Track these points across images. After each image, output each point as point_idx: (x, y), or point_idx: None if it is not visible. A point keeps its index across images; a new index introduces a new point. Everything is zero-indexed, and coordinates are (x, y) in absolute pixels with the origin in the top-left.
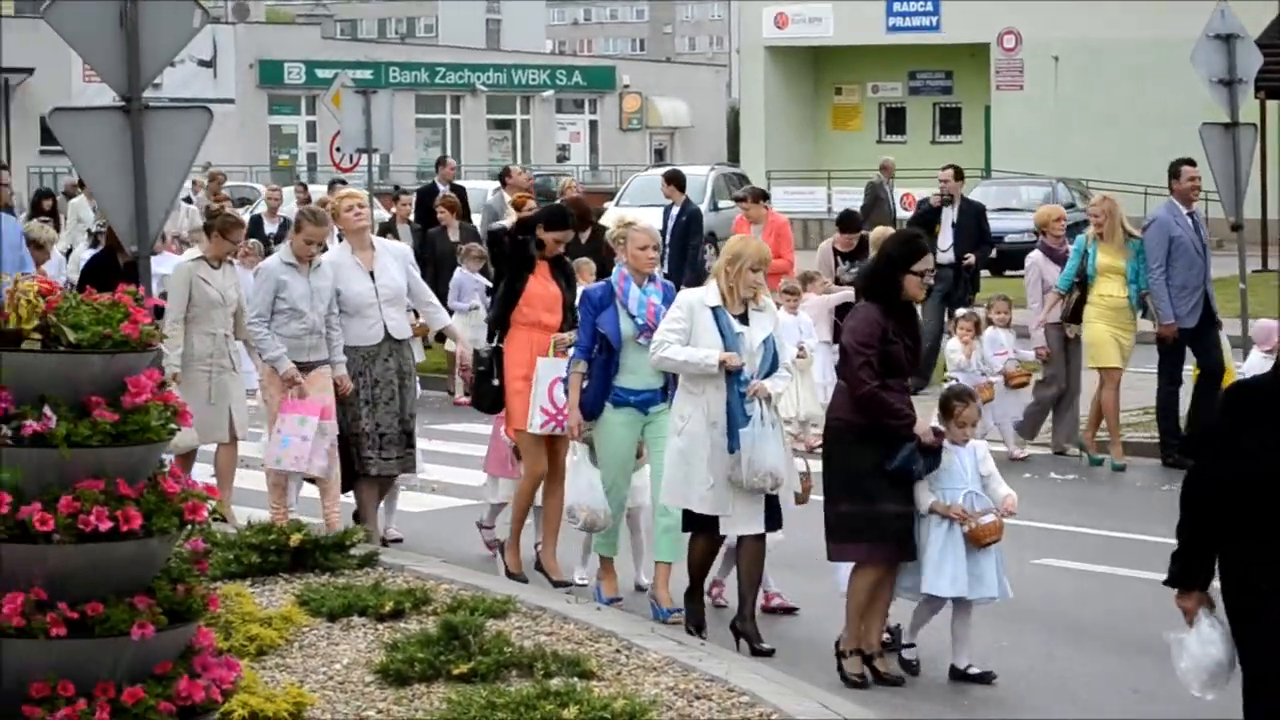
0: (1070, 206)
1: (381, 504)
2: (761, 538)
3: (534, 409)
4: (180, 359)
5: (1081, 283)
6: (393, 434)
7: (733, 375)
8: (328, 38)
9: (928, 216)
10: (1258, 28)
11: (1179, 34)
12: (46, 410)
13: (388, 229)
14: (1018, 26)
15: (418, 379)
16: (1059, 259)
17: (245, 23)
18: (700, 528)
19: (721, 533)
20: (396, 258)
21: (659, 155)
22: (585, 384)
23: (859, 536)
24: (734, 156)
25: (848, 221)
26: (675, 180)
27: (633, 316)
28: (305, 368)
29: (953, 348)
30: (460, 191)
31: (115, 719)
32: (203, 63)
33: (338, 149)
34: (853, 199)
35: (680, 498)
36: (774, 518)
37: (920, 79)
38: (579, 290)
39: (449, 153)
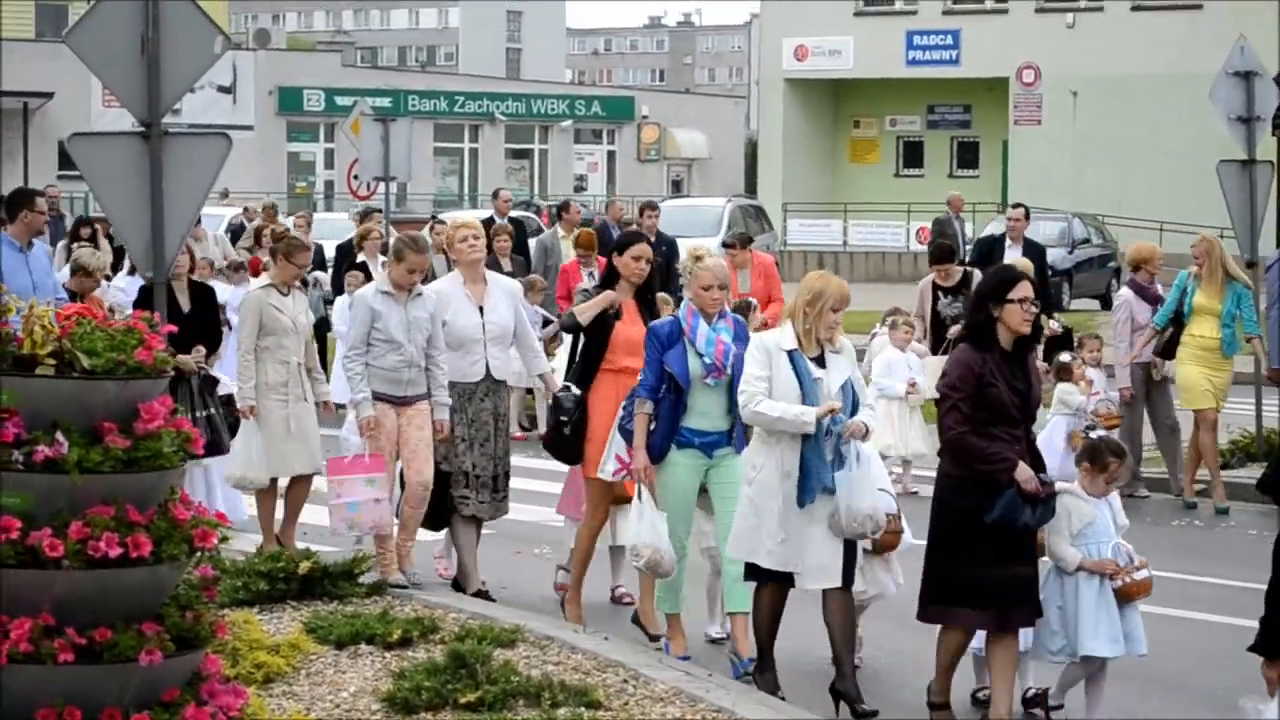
0: (1085, 242)
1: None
2: (847, 590)
3: (608, 454)
4: (254, 391)
5: (1177, 320)
6: (486, 476)
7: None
8: (348, 65)
9: (990, 248)
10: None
11: (1198, 70)
12: (59, 435)
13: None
14: (1036, 61)
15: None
16: (1150, 298)
17: (266, 49)
18: (766, 581)
19: (798, 586)
20: (508, 295)
21: (676, 186)
22: (652, 425)
23: (953, 600)
24: (751, 188)
25: (945, 254)
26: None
27: (701, 355)
28: (403, 402)
29: (1068, 389)
30: (517, 224)
31: None
32: (222, 88)
33: (356, 176)
34: (869, 233)
35: (747, 551)
36: (849, 570)
37: (938, 113)
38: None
39: (465, 180)
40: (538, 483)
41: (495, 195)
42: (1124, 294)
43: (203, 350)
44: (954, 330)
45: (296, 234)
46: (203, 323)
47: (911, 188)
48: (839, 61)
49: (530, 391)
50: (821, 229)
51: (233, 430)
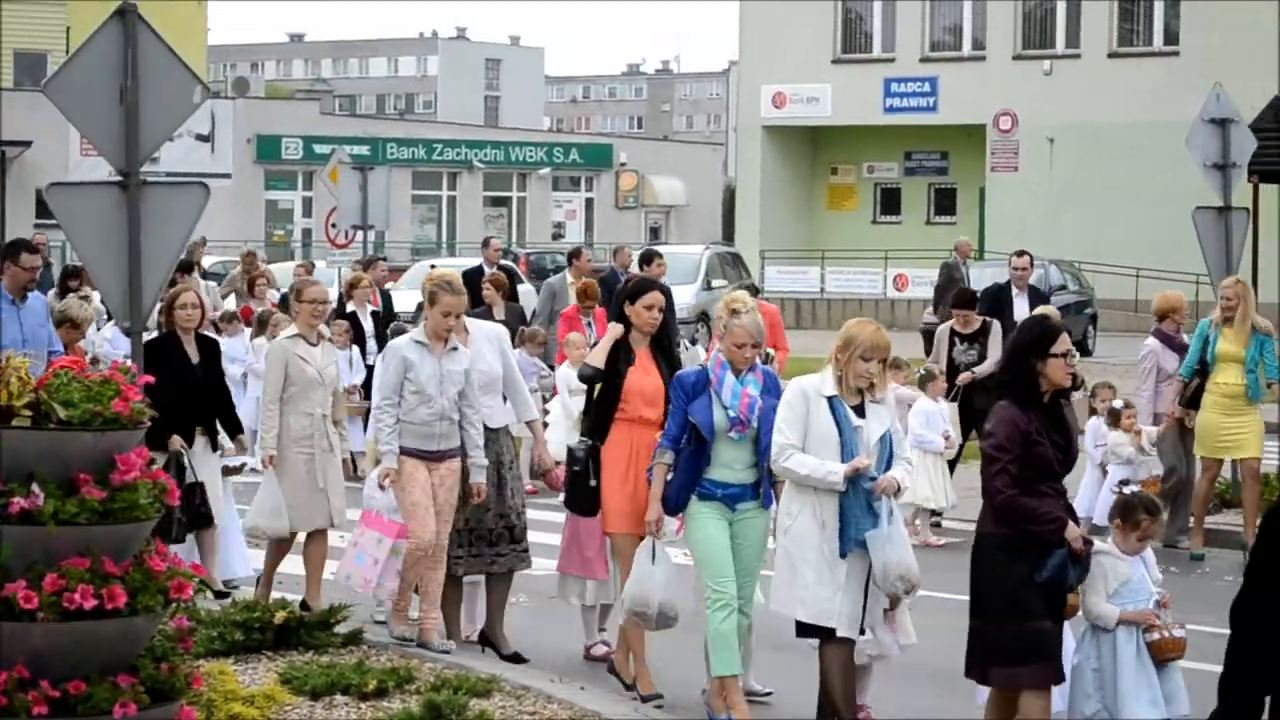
0: (1062, 288)
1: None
2: (850, 645)
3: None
4: (275, 441)
5: (1201, 369)
6: (483, 530)
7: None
8: (326, 113)
9: (997, 296)
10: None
11: (1175, 117)
12: (35, 487)
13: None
14: (1014, 108)
15: (522, 469)
16: (1177, 347)
17: (244, 97)
18: (818, 635)
19: (840, 634)
20: (491, 340)
21: (654, 233)
22: (670, 476)
23: (1024, 659)
24: (729, 235)
25: (967, 300)
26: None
27: (726, 408)
28: (436, 457)
29: (1119, 440)
30: (508, 271)
31: None
32: (200, 137)
33: (333, 224)
34: (847, 279)
35: (785, 605)
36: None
37: (916, 159)
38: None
39: (443, 228)
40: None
41: (485, 244)
42: (1150, 344)
43: (178, 440)
44: (963, 377)
45: (308, 278)
46: (211, 375)
47: (889, 234)
48: (817, 108)
49: None
50: (799, 276)
51: (200, 521)
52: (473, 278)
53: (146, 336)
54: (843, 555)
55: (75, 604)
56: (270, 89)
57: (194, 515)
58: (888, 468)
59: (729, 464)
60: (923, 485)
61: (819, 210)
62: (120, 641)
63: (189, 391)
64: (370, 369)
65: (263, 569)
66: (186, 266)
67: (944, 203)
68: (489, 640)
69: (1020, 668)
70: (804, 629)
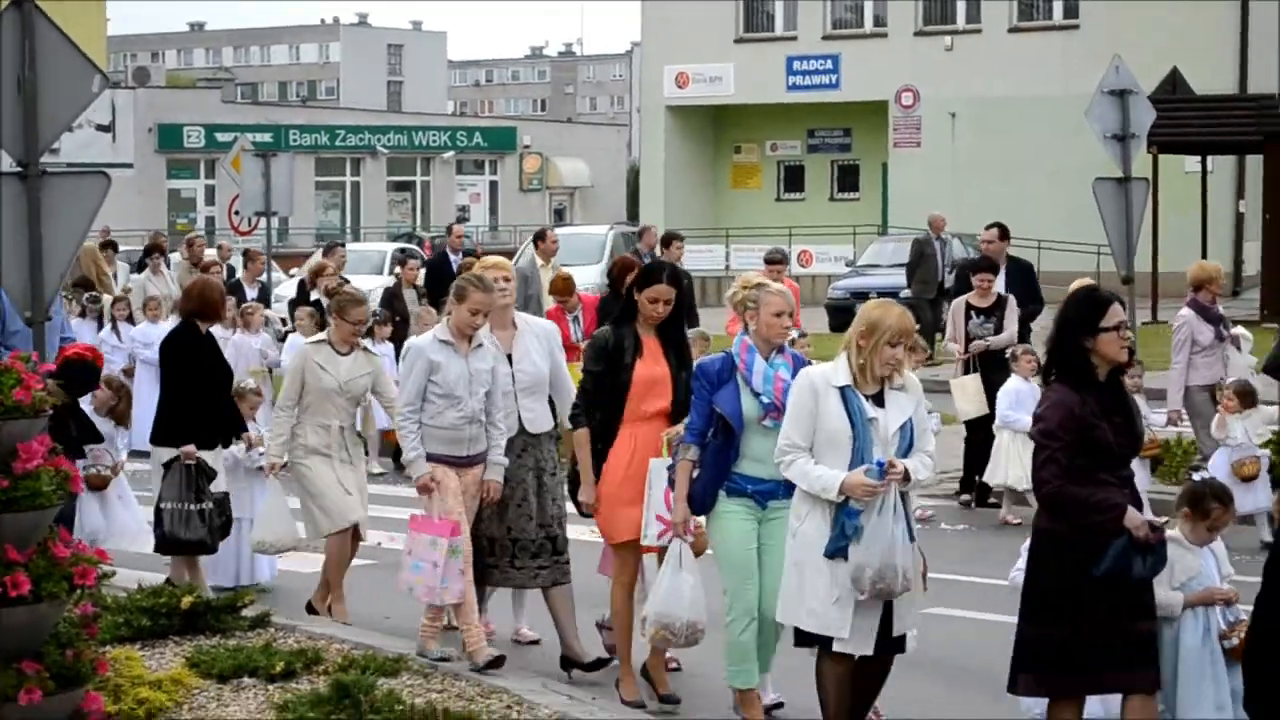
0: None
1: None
2: (880, 663)
3: (648, 517)
4: (281, 450)
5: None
6: (526, 540)
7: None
8: (228, 101)
9: (963, 273)
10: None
11: (1075, 90)
12: None
13: (394, 295)
14: (915, 84)
15: (563, 476)
16: (1212, 318)
17: (145, 86)
18: (818, 646)
19: (835, 649)
20: (541, 338)
21: (559, 215)
22: (696, 473)
23: (1057, 667)
24: (634, 215)
25: (988, 265)
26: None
27: (757, 395)
28: (467, 463)
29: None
30: (475, 256)
31: None
32: (101, 127)
33: (237, 212)
34: (752, 257)
35: (791, 614)
36: (887, 639)
37: (819, 137)
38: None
39: (347, 214)
40: None
41: (449, 231)
42: (1185, 314)
43: (191, 447)
44: (976, 345)
45: (349, 289)
46: (219, 368)
47: (792, 211)
48: (720, 88)
49: None
50: (704, 254)
51: (224, 530)
52: (438, 265)
53: (157, 328)
54: (830, 556)
55: None
56: (171, 78)
57: (222, 525)
58: (908, 455)
59: (760, 457)
60: (1014, 466)
61: (723, 189)
62: (25, 628)
63: (213, 387)
64: None
65: (328, 569)
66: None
67: (847, 179)
68: (570, 659)
69: (1056, 677)
70: (803, 637)
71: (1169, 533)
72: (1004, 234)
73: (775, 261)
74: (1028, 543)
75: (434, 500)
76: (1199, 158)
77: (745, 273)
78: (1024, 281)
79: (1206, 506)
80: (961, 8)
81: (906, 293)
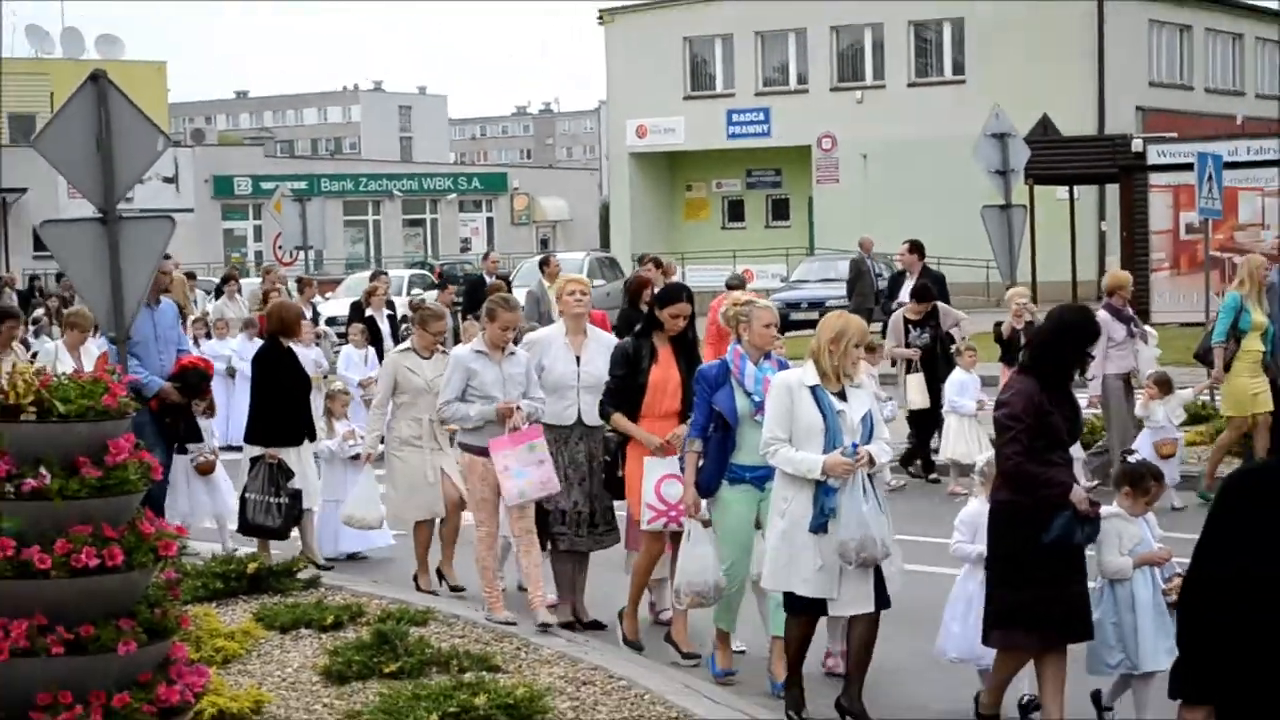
0: (879, 275)
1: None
2: (873, 617)
3: (642, 506)
4: (376, 442)
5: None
6: (585, 513)
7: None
8: (270, 156)
9: (898, 281)
10: (1029, 124)
11: (963, 134)
12: (42, 470)
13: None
14: (834, 131)
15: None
16: (1124, 319)
17: (201, 145)
18: (804, 610)
19: (830, 614)
20: (604, 347)
21: (544, 244)
22: (701, 463)
23: (1013, 623)
24: (605, 243)
25: (923, 293)
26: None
27: (749, 394)
28: None
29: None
30: (506, 280)
31: None
32: (166, 179)
33: (280, 246)
34: (703, 275)
35: (783, 582)
36: (882, 595)
37: (755, 176)
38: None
39: (370, 246)
40: None
41: (485, 257)
42: (1102, 315)
43: (274, 453)
44: (912, 352)
45: (430, 305)
46: (298, 378)
47: (735, 238)
48: (673, 137)
49: None
50: None
51: (296, 520)
52: (475, 285)
53: (224, 343)
54: (813, 531)
55: (81, 563)
56: (222, 137)
57: (295, 516)
58: (869, 441)
59: (754, 448)
60: (959, 444)
61: (678, 220)
62: (120, 592)
63: (297, 394)
64: None
65: (415, 551)
66: (229, 278)
67: (779, 211)
68: (577, 618)
69: (1012, 632)
70: (792, 603)
71: (1112, 507)
72: (913, 249)
73: (735, 286)
74: (959, 517)
75: (474, 491)
76: (1067, 187)
77: (706, 291)
78: (936, 290)
79: (1146, 485)
80: (869, 67)
81: (845, 304)
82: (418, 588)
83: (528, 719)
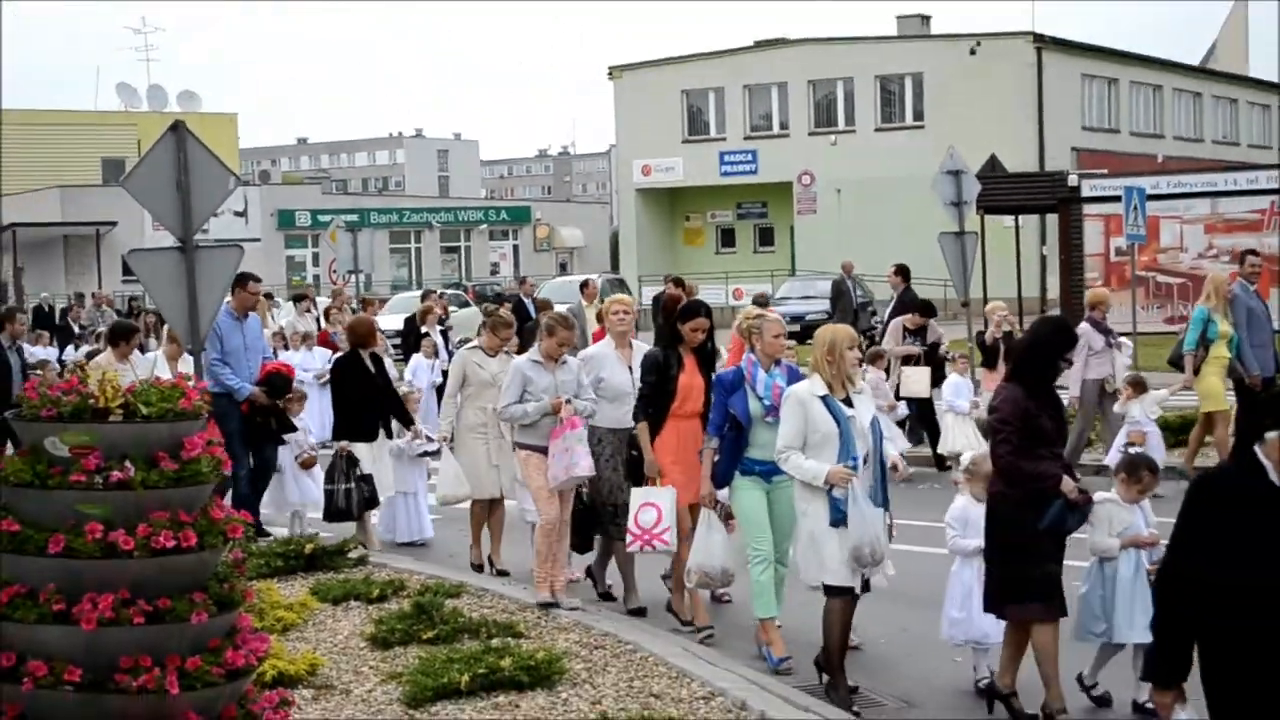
0: (859, 295)
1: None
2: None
3: (630, 522)
4: (450, 428)
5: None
6: (622, 505)
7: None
8: (326, 193)
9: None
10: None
11: (923, 171)
12: (126, 463)
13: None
14: (812, 169)
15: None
16: (1103, 330)
17: (267, 184)
18: (837, 595)
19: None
20: None
21: (563, 268)
22: (717, 458)
23: (1029, 597)
24: (615, 267)
25: (926, 308)
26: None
27: (760, 398)
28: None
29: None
30: (547, 304)
31: (182, 681)
32: (237, 213)
33: (335, 270)
34: (700, 295)
35: (814, 576)
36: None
37: (744, 208)
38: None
39: (412, 270)
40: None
41: (522, 282)
42: (1083, 327)
43: (345, 445)
44: (907, 353)
45: (502, 313)
46: (384, 382)
47: (727, 261)
48: (673, 174)
49: None
50: None
51: (369, 504)
52: (516, 307)
53: (296, 354)
54: (835, 525)
55: (160, 544)
56: (285, 177)
57: (365, 499)
58: (881, 443)
59: (764, 445)
60: (959, 438)
61: (678, 246)
62: (194, 569)
63: (367, 394)
64: (445, 374)
65: (470, 530)
66: (301, 296)
67: (765, 237)
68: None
69: (1032, 604)
70: (828, 590)
71: (1108, 494)
72: (899, 271)
73: (761, 303)
74: (949, 514)
75: (526, 479)
76: (1013, 217)
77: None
78: (924, 307)
79: (1139, 474)
80: (841, 114)
81: (825, 319)
82: (471, 563)
83: (546, 679)
